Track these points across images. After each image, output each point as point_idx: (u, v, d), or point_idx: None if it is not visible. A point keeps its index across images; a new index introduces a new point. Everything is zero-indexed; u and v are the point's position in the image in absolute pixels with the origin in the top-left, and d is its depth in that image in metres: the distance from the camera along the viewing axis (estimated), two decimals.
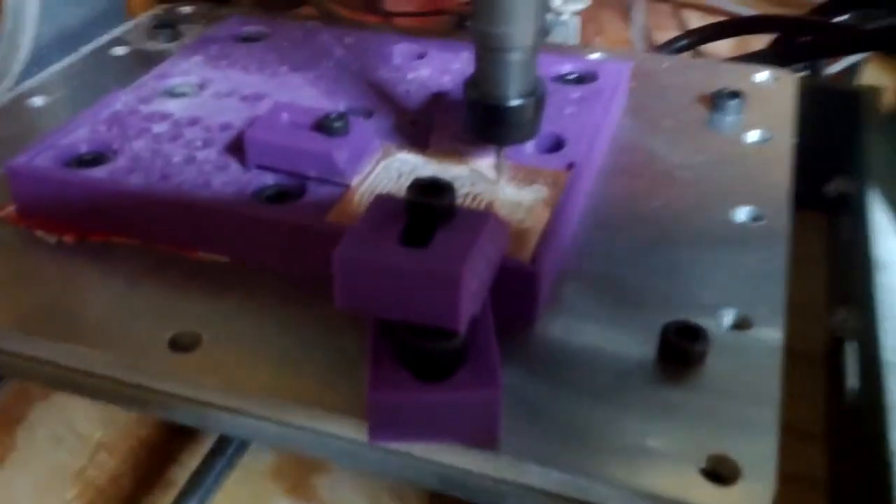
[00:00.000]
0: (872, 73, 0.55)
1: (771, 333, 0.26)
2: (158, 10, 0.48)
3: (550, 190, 0.29)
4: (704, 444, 0.22)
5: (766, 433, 0.23)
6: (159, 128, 0.33)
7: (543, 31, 0.28)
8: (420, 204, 0.23)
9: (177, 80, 0.37)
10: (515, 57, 0.27)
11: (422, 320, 0.22)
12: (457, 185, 0.28)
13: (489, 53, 0.28)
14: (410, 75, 0.37)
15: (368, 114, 0.34)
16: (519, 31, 0.27)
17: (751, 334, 0.26)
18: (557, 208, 0.28)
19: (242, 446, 0.31)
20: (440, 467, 0.23)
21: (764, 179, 0.33)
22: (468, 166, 0.30)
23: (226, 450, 0.30)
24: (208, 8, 0.48)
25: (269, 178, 0.30)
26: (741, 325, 0.26)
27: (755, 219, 0.31)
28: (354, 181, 0.30)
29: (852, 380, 0.31)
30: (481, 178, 0.30)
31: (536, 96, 0.29)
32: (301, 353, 0.25)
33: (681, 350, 0.25)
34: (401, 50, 0.39)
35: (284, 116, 0.31)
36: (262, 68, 0.38)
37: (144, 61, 0.41)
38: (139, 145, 0.32)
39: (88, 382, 0.26)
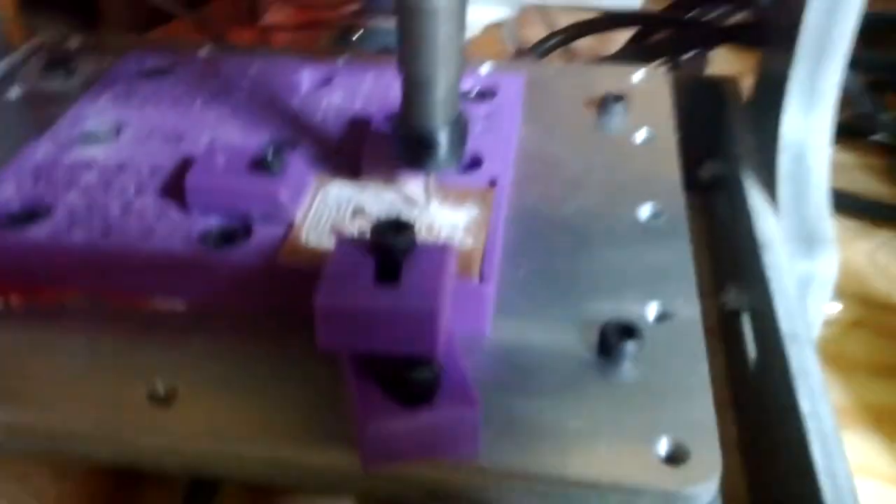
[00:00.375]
0: (722, 60, 0.60)
1: (691, 321, 0.30)
2: (36, 43, 0.47)
3: (480, 208, 0.32)
4: (653, 430, 0.26)
5: (705, 411, 0.26)
6: (87, 177, 0.33)
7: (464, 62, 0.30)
8: (385, 244, 0.25)
9: (91, 123, 0.37)
10: (440, 92, 0.30)
11: (400, 351, 0.24)
12: (391, 210, 0.31)
13: (415, 88, 0.30)
14: (323, 102, 0.39)
15: (293, 146, 0.36)
16: (443, 71, 0.29)
17: (673, 324, 0.29)
18: (491, 226, 0.31)
19: (216, 486, 0.32)
20: (427, 483, 0.25)
21: (657, 176, 0.37)
22: (401, 192, 0.32)
23: (199, 492, 0.31)
24: (95, 40, 0.47)
25: (211, 221, 0.31)
26: (663, 316, 0.30)
27: (656, 215, 0.35)
28: (297, 216, 0.31)
29: (751, 350, 0.35)
30: (414, 203, 0.32)
31: (460, 124, 0.31)
32: (276, 390, 0.27)
33: (619, 347, 0.28)
34: (307, 76, 0.41)
35: (220, 158, 0.32)
36: (175, 105, 0.38)
37: (43, 103, 0.41)
38: (72, 198, 0.32)
39: (65, 447, 0.27)
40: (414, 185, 0.33)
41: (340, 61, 0.44)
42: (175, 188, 0.32)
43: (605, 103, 0.41)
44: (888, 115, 0.51)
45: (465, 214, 0.32)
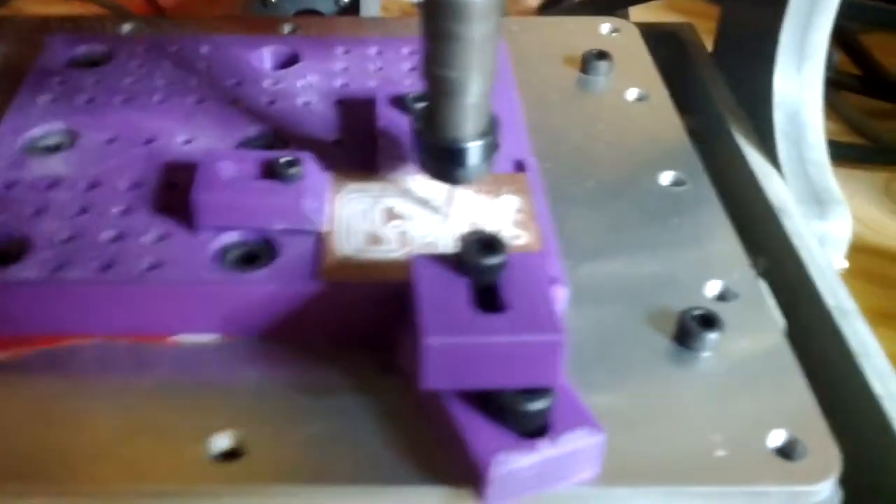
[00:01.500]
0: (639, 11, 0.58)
1: (756, 298, 0.29)
2: None
3: (519, 197, 0.29)
4: (760, 424, 0.24)
5: (804, 399, 0.25)
6: (58, 198, 0.29)
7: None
8: (481, 266, 0.22)
9: (38, 130, 0.32)
10: (473, 100, 0.26)
11: (518, 384, 0.22)
12: (426, 209, 0.28)
13: (444, 97, 0.26)
14: (298, 84, 0.35)
15: (285, 141, 0.32)
16: (478, 76, 0.25)
17: (739, 303, 0.28)
18: (539, 215, 0.29)
19: None
20: None
21: (666, 138, 0.35)
22: (429, 191, 0.29)
23: None
24: None
25: (226, 238, 0.27)
26: (727, 295, 0.29)
27: (677, 182, 0.33)
28: (323, 226, 0.28)
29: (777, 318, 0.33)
30: (447, 202, 0.29)
31: (492, 130, 0.27)
32: (354, 427, 0.24)
33: (700, 338, 0.27)
34: (270, 54, 0.36)
35: (224, 168, 0.28)
36: (131, 100, 0.33)
37: None
38: (50, 227, 0.27)
39: None
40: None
41: (287, 29, 0.40)
42: (169, 203, 0.28)
43: (588, 61, 0.39)
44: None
45: (507, 206, 0.29)
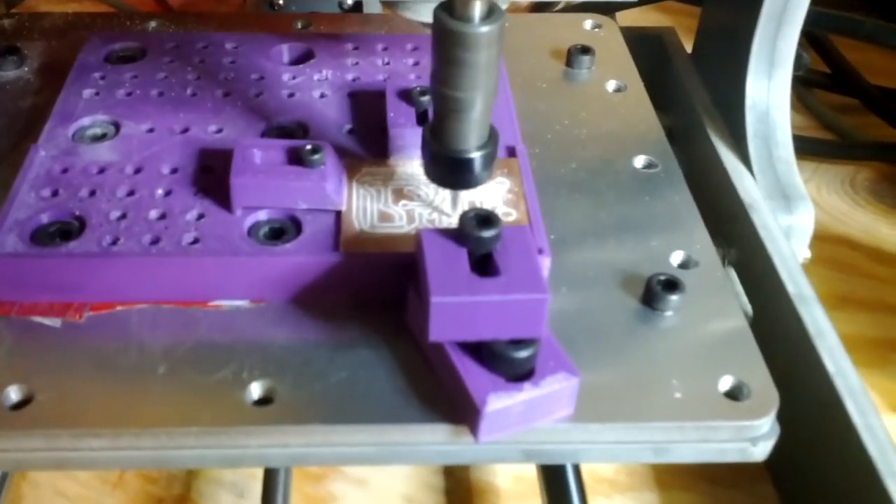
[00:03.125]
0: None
1: (713, 266, 0.33)
2: None
3: (510, 179, 0.34)
4: (713, 371, 0.29)
5: (751, 350, 0.30)
6: (109, 182, 0.33)
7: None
8: (479, 238, 0.27)
9: (86, 121, 0.36)
10: (476, 115, 0.29)
11: (508, 336, 0.26)
12: (430, 191, 0.32)
13: (451, 114, 0.29)
14: (314, 77, 0.39)
15: (304, 130, 0.36)
16: (482, 94, 0.29)
17: (699, 270, 0.33)
18: (528, 197, 0.33)
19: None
20: (526, 445, 0.28)
21: (640, 126, 0.40)
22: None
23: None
24: (27, 18, 0.45)
25: (258, 216, 0.32)
26: (687, 264, 0.33)
27: (649, 165, 0.38)
28: (342, 205, 0.32)
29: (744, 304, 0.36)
30: (453, 202, 0.33)
31: (492, 141, 0.31)
32: (369, 376, 0.28)
33: (664, 299, 0.31)
34: (287, 51, 0.41)
35: (256, 154, 0.32)
36: (166, 93, 0.37)
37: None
38: (102, 207, 0.32)
39: (172, 458, 0.28)
40: None
41: (299, 25, 0.44)
42: (206, 185, 0.33)
43: (572, 55, 0.43)
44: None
45: (500, 187, 0.33)
